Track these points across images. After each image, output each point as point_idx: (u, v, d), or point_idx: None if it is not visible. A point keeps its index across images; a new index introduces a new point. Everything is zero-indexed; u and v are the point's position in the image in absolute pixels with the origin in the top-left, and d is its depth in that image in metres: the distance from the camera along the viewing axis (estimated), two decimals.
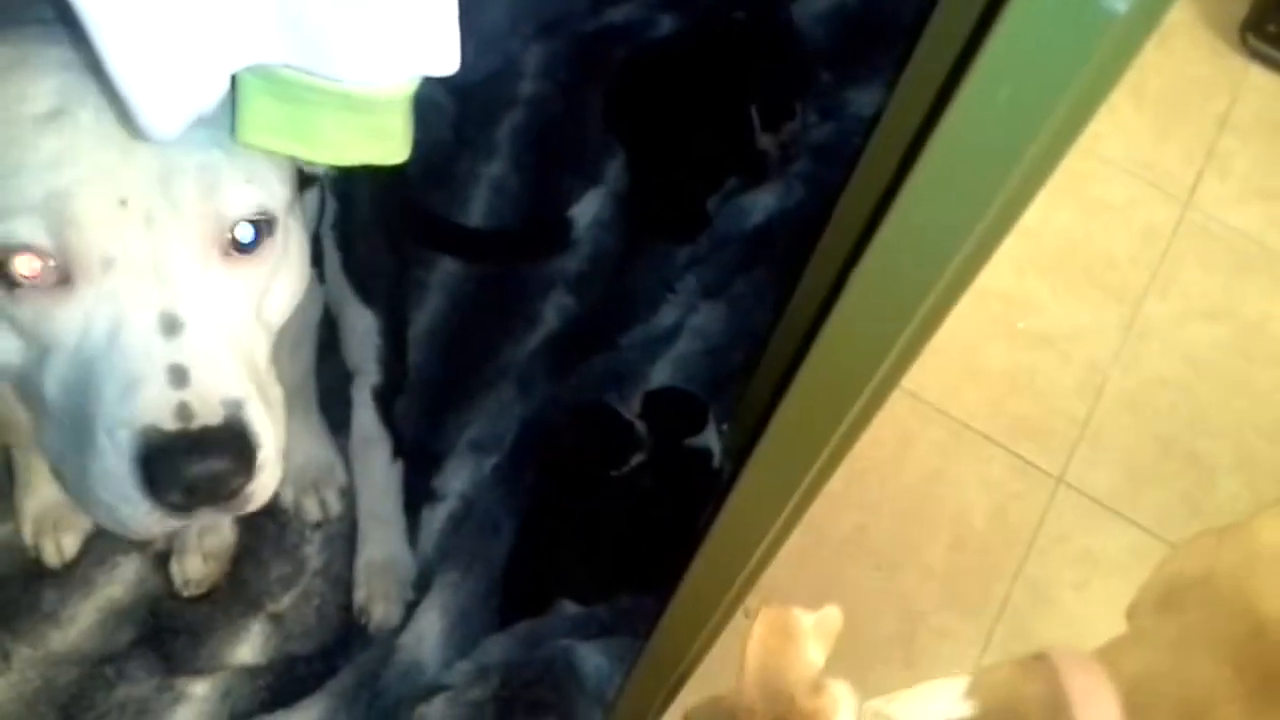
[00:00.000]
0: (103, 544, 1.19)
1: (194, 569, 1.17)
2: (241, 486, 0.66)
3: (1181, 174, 1.84)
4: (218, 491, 0.65)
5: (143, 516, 0.65)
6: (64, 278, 0.63)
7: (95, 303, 0.63)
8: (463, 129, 1.52)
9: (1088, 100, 0.55)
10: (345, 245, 1.17)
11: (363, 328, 1.23)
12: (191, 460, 0.63)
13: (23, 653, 1.13)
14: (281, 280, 0.72)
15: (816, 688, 0.77)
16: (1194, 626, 0.85)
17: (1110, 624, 1.42)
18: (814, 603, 1.40)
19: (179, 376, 0.63)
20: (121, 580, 1.17)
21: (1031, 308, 1.67)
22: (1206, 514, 1.54)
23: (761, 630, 0.79)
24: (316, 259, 1.08)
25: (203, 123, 0.60)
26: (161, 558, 1.18)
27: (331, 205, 1.14)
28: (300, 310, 1.10)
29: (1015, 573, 1.47)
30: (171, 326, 0.63)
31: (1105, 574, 1.47)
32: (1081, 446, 1.57)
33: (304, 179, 0.77)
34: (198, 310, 0.64)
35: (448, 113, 1.51)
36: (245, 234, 0.67)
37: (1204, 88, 1.93)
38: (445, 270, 1.44)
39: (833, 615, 0.81)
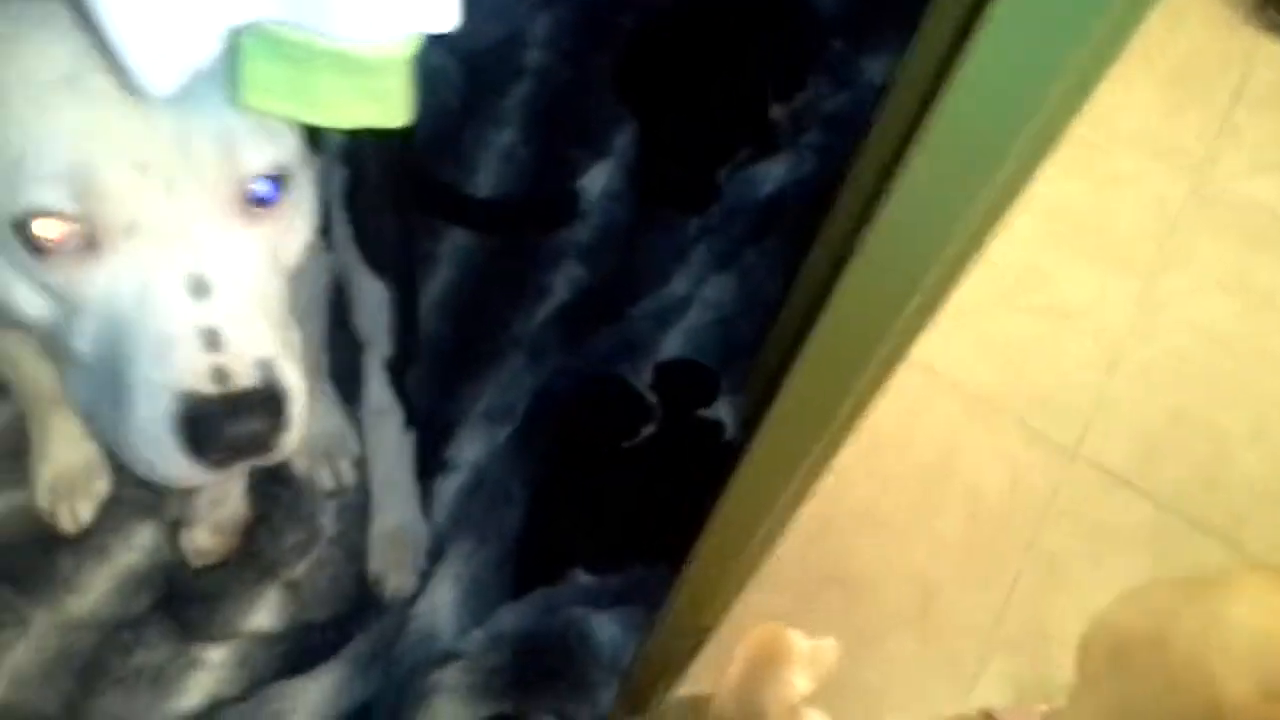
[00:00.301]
0: (118, 511, 1.20)
1: (203, 541, 1.17)
2: (276, 440, 0.68)
3: (1194, 147, 1.82)
4: (255, 447, 0.67)
5: (182, 471, 0.66)
6: (90, 243, 0.64)
7: (121, 268, 0.64)
8: (470, 98, 1.52)
9: (1097, 62, 0.54)
10: (355, 215, 1.17)
11: (374, 299, 1.23)
12: (231, 423, 0.64)
13: (40, 618, 1.13)
14: (297, 227, 0.74)
15: (793, 712, 0.76)
16: (1143, 698, 0.82)
17: None
18: (826, 579, 1.40)
19: (211, 339, 0.64)
20: (137, 547, 1.18)
21: (1045, 281, 1.66)
22: (1222, 486, 1.54)
23: (753, 644, 0.78)
24: (324, 227, 1.09)
25: (216, 84, 0.61)
26: (177, 526, 1.18)
27: (341, 174, 1.13)
28: (309, 280, 1.11)
29: (1028, 545, 1.46)
30: (199, 289, 0.64)
31: (1119, 548, 1.46)
32: (1096, 419, 1.57)
33: (315, 142, 0.77)
34: (224, 271, 0.65)
35: (455, 82, 1.51)
36: (264, 190, 0.68)
37: (1217, 60, 1.92)
38: (454, 241, 1.44)
39: (829, 648, 0.78)
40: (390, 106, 0.63)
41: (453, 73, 1.49)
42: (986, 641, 1.37)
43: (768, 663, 0.77)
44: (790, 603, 1.36)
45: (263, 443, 0.67)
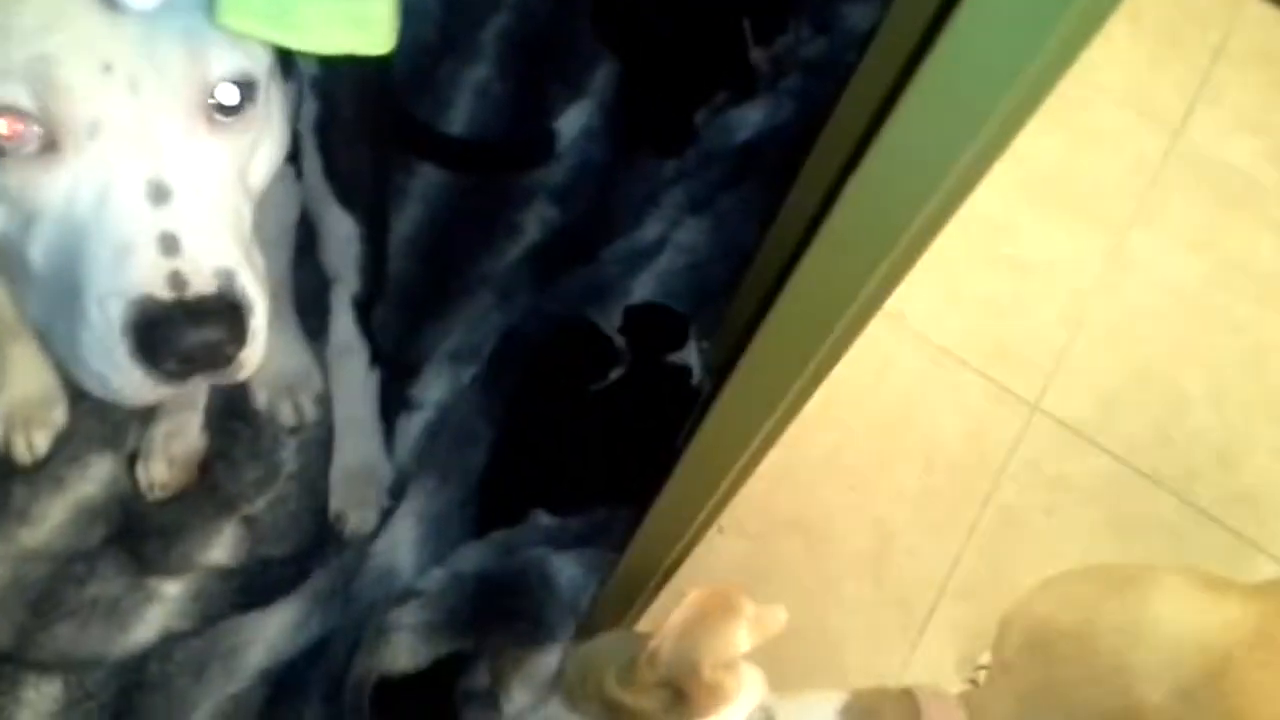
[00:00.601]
0: (75, 443, 1.18)
1: (159, 473, 1.16)
2: (235, 354, 0.66)
3: (1174, 104, 1.82)
4: (212, 359, 0.65)
5: (136, 385, 0.65)
6: (49, 144, 0.62)
7: (82, 170, 0.62)
8: (447, 31, 1.48)
9: (1095, 12, 0.53)
10: (327, 149, 1.15)
11: (343, 234, 1.21)
12: (187, 329, 0.63)
13: None
14: (265, 146, 0.72)
15: (727, 665, 0.78)
16: (1064, 687, 0.82)
17: (1077, 549, 1.45)
18: (788, 524, 1.41)
19: (170, 245, 0.63)
20: (94, 479, 1.16)
21: (1016, 234, 1.66)
22: (1176, 443, 1.56)
23: (703, 597, 0.79)
24: (294, 157, 1.06)
25: None
26: (134, 458, 1.17)
27: (314, 106, 1.11)
28: (278, 211, 1.08)
29: (986, 497, 1.48)
30: (160, 194, 0.63)
31: (1076, 501, 1.49)
32: (1059, 374, 1.58)
33: (285, 64, 0.75)
34: (185, 177, 0.64)
35: (432, 14, 1.47)
36: (230, 97, 0.67)
37: (1200, 18, 1.91)
38: (426, 177, 1.41)
39: (777, 615, 0.79)
40: (374, 33, 0.62)
41: (430, 4, 1.45)
42: (939, 589, 1.40)
43: (714, 616, 0.78)
44: (751, 546, 1.37)
45: (219, 355, 0.66)
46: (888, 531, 1.42)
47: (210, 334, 0.64)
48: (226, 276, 0.64)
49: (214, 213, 0.65)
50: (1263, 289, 1.69)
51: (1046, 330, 1.60)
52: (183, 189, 0.63)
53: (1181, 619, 0.80)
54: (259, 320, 0.67)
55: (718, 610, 0.78)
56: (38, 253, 0.65)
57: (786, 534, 1.38)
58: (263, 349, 0.69)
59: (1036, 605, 0.91)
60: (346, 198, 1.18)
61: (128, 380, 0.64)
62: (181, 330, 0.62)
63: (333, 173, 1.16)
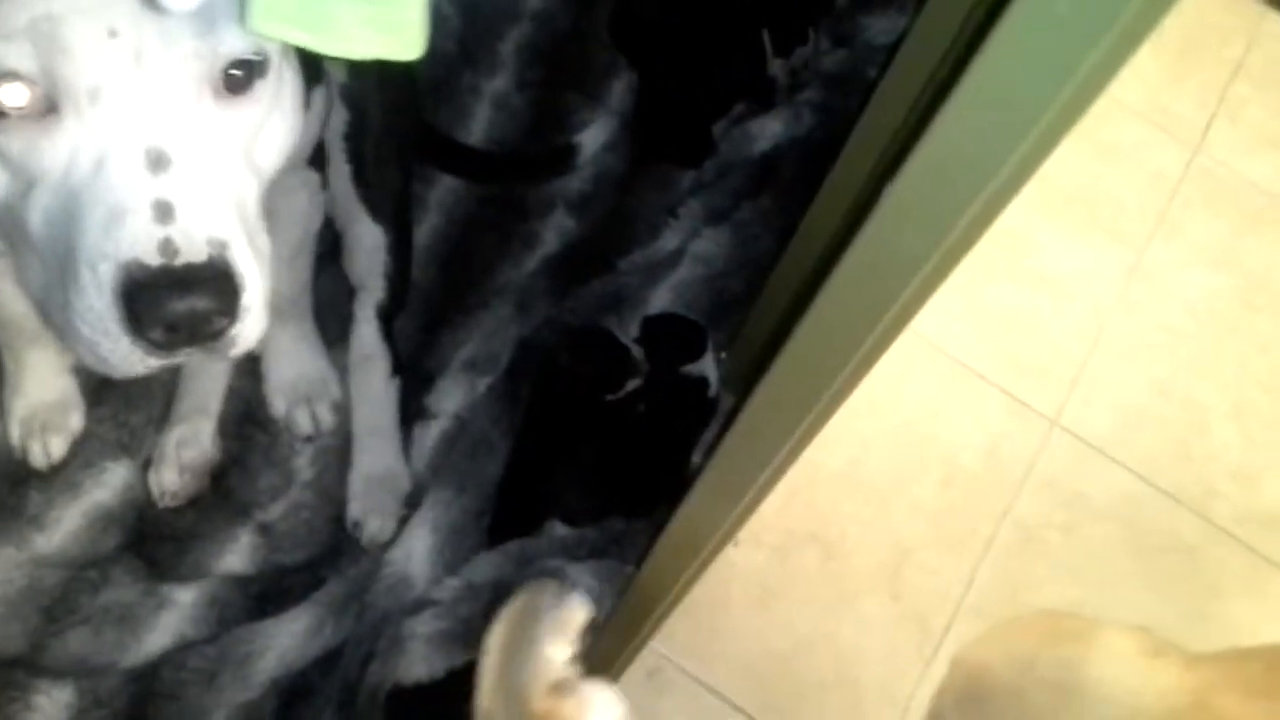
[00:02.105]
0: (91, 448, 1.17)
1: (170, 480, 1.15)
2: (225, 328, 0.66)
3: (1194, 119, 1.81)
4: (200, 330, 0.65)
5: (124, 353, 0.65)
6: (51, 107, 0.62)
7: (82, 135, 0.63)
8: (466, 42, 1.48)
9: (1138, 25, 0.52)
10: (356, 158, 1.16)
11: (370, 243, 1.21)
12: (174, 296, 0.63)
13: (6, 554, 1.11)
14: (274, 126, 0.72)
15: (558, 688, 0.70)
16: None
17: (1094, 567, 1.44)
18: (805, 537, 1.40)
19: (164, 211, 0.62)
20: (109, 485, 1.16)
21: (1035, 247, 1.65)
22: (1197, 460, 1.55)
23: (499, 633, 0.72)
24: (320, 163, 1.06)
25: None
26: (149, 464, 1.16)
27: (343, 115, 1.11)
28: (301, 217, 1.09)
29: (1004, 513, 1.47)
30: (158, 162, 0.63)
31: (1094, 518, 1.47)
32: (1078, 389, 1.57)
33: (315, 71, 0.75)
34: (186, 147, 0.64)
35: (452, 24, 1.47)
36: (240, 72, 0.67)
37: (1221, 33, 1.90)
38: (444, 187, 1.41)
39: (576, 608, 0.72)
40: (406, 38, 0.62)
41: (450, 14, 1.45)
42: (956, 605, 1.38)
43: (518, 645, 0.72)
44: (768, 559, 1.36)
45: (208, 327, 0.65)
46: (904, 547, 1.41)
47: (197, 302, 0.63)
48: (220, 247, 0.64)
49: (214, 184, 0.65)
50: None
51: (1065, 345, 1.59)
52: (182, 158, 0.63)
53: (1117, 682, 0.77)
54: (252, 295, 0.66)
55: (519, 637, 0.72)
56: (37, 219, 0.65)
57: (802, 548, 1.37)
58: (259, 328, 0.69)
59: (978, 653, 0.88)
60: (375, 207, 1.19)
61: (115, 348, 0.64)
62: (167, 296, 0.62)
63: (362, 182, 1.17)
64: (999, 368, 1.56)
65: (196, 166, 0.64)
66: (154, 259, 0.62)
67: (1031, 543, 1.44)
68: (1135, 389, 1.58)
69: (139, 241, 0.62)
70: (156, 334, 0.63)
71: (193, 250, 0.63)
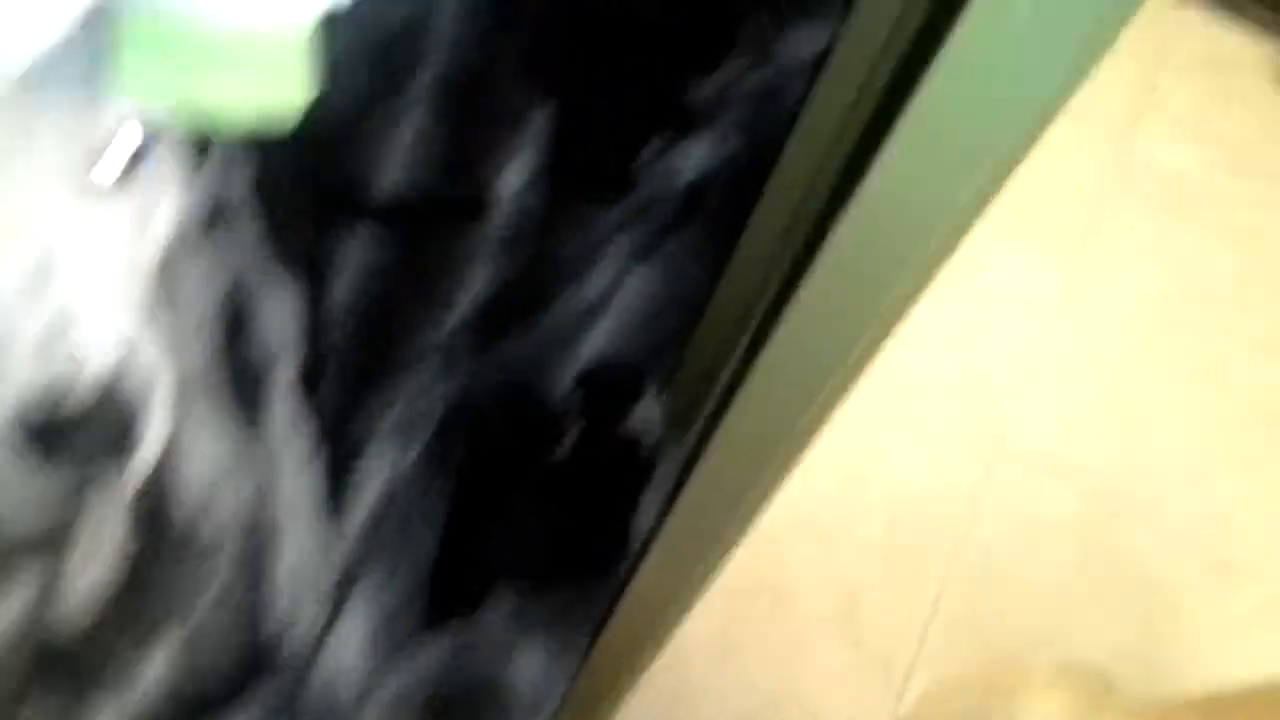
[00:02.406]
0: None
1: (75, 602, 1.07)
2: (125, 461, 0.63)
3: (1119, 113, 1.80)
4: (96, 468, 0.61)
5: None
6: None
7: None
8: (376, 82, 1.39)
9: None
10: (269, 211, 1.07)
11: (284, 308, 1.13)
12: (64, 445, 0.60)
13: None
14: (164, 209, 0.67)
15: None
16: None
17: (1052, 592, 1.42)
18: (755, 588, 1.36)
19: (52, 335, 0.58)
20: (6, 611, 1.07)
21: (966, 262, 1.62)
22: (1140, 464, 1.54)
23: None
24: (218, 226, 0.98)
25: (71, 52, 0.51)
26: (49, 588, 1.07)
27: (248, 169, 1.03)
28: (199, 289, 1.00)
29: (956, 540, 1.45)
30: (41, 277, 0.57)
31: (1047, 537, 1.46)
32: (1020, 405, 1.55)
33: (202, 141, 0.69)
34: (71, 254, 0.58)
35: (360, 64, 1.38)
36: (123, 157, 0.61)
37: (1139, 25, 1.89)
38: (359, 237, 1.33)
39: None
40: (284, 98, 0.56)
41: (356, 55, 1.37)
42: (918, 642, 1.36)
43: None
44: (721, 611, 1.32)
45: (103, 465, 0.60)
46: (855, 587, 1.38)
47: (88, 450, 0.60)
48: (114, 374, 0.59)
49: (105, 288, 0.60)
50: (1222, 296, 1.68)
51: (1006, 360, 1.57)
52: (68, 267, 0.58)
53: None
54: (156, 414, 0.64)
55: None
56: None
57: (755, 597, 1.33)
58: (164, 430, 0.63)
59: (919, 714, 0.86)
60: (287, 265, 1.11)
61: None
62: (59, 445, 0.59)
63: (274, 238, 1.09)
64: (940, 388, 1.53)
65: (84, 273, 0.58)
66: (46, 401, 0.57)
67: (988, 571, 1.41)
68: (1077, 399, 1.56)
69: (22, 386, 0.56)
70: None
71: (81, 389, 0.57)
